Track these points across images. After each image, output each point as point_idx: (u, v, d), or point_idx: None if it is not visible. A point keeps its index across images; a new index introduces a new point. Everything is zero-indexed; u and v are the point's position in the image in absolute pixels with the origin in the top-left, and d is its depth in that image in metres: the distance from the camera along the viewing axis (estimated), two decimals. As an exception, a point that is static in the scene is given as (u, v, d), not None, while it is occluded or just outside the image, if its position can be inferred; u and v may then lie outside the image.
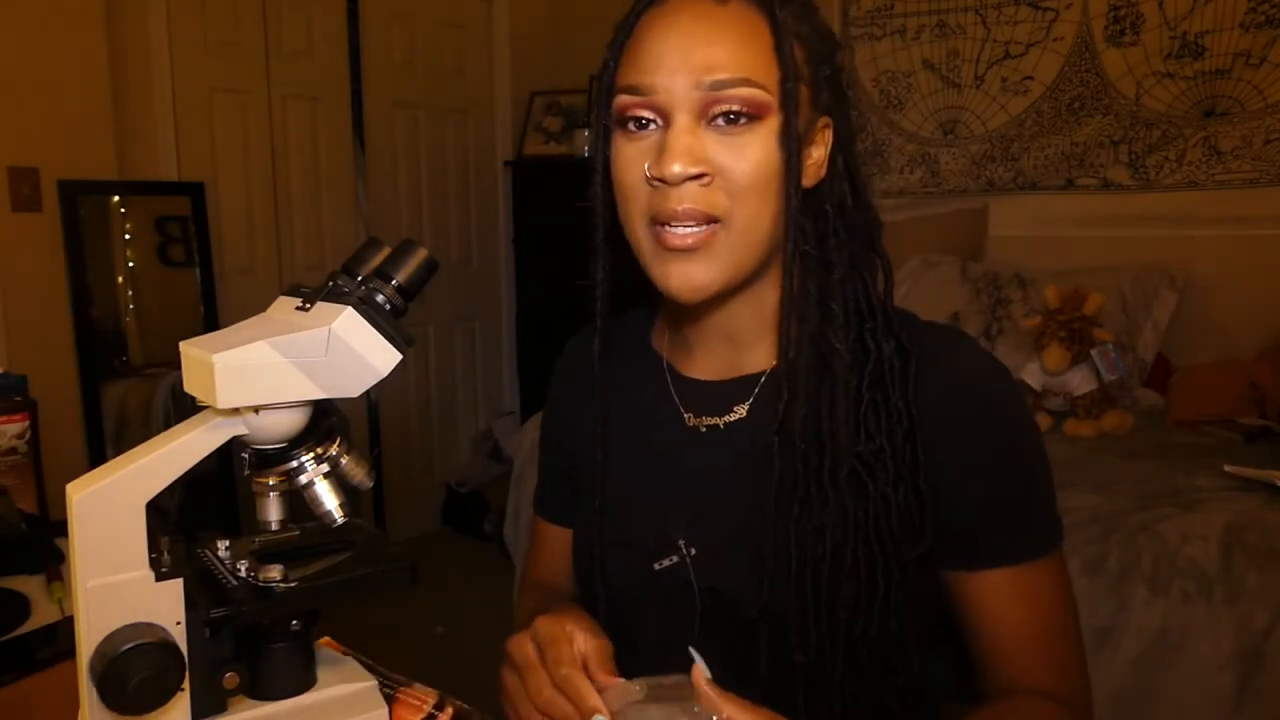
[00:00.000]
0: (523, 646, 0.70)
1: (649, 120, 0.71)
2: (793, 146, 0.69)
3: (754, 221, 0.71)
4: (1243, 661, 1.48)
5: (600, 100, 0.75)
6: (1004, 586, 0.75)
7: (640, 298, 0.88)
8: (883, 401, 0.73)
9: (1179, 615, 1.53)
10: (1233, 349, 2.46)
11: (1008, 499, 0.75)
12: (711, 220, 0.70)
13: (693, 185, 0.69)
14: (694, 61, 0.68)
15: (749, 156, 0.69)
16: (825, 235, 0.76)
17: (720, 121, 0.69)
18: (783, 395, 0.74)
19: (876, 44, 3.17)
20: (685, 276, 0.71)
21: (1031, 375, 2.28)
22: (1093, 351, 2.19)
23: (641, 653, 0.78)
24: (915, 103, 3.14)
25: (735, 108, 0.68)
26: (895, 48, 3.15)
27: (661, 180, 0.69)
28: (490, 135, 3.88)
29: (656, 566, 0.79)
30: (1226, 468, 1.82)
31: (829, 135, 0.76)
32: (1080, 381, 2.22)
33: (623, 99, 0.72)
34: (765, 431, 0.75)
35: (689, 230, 0.70)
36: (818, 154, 0.76)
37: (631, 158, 0.72)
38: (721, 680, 0.63)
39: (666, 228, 0.70)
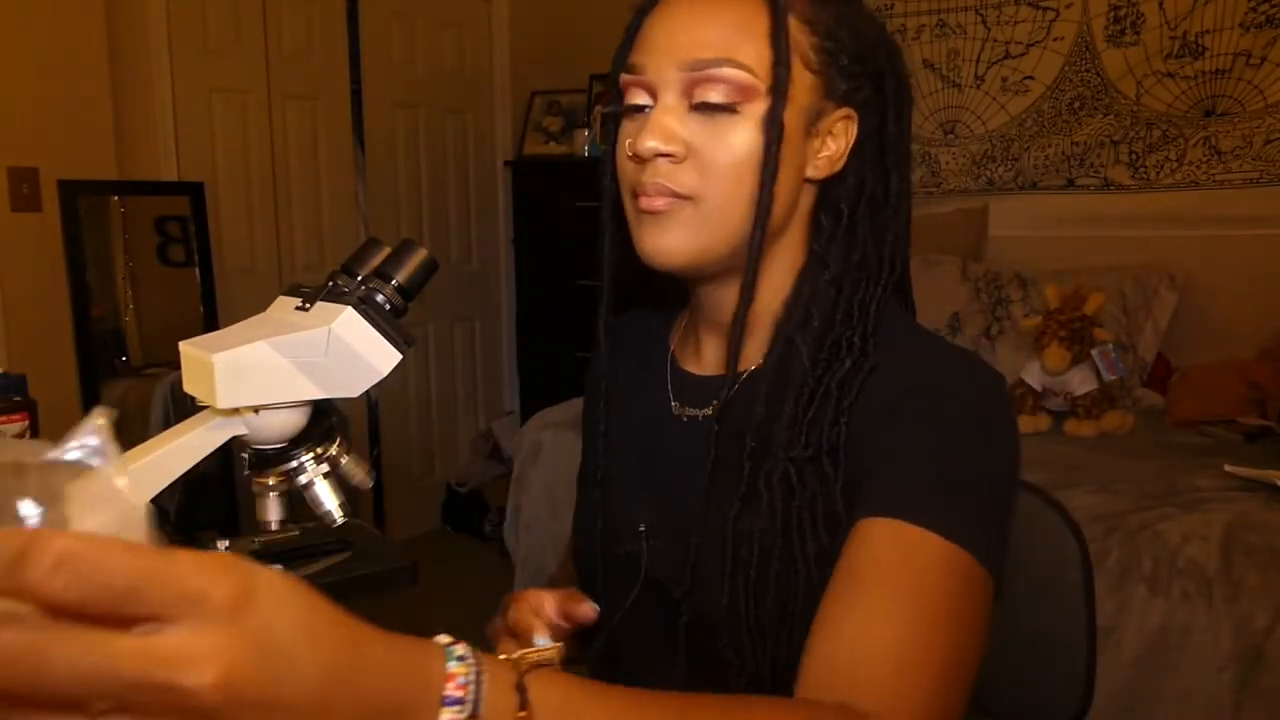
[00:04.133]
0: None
1: (643, 101, 0.72)
2: (774, 133, 0.68)
3: (727, 204, 0.70)
4: (1243, 661, 1.48)
5: (613, 87, 0.76)
6: (876, 531, 0.65)
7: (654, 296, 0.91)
8: (827, 413, 0.70)
9: (1179, 615, 1.53)
10: (1233, 349, 2.46)
11: (912, 460, 0.68)
12: (679, 196, 0.70)
13: (664, 162, 0.70)
14: (680, 41, 0.69)
15: (728, 140, 0.69)
16: (834, 236, 0.75)
17: (704, 108, 0.69)
18: (759, 395, 0.72)
19: (876, 44, 3.17)
20: (656, 241, 0.72)
21: (1032, 375, 2.28)
22: (1093, 351, 2.19)
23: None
24: (915, 102, 3.12)
25: (718, 93, 0.68)
26: (895, 48, 3.14)
27: (636, 156, 0.71)
28: (490, 135, 3.87)
29: (619, 552, 0.80)
30: (1226, 468, 1.82)
31: (852, 129, 0.74)
32: (1080, 381, 2.22)
33: (622, 77, 0.73)
34: (726, 428, 0.74)
35: (658, 197, 0.71)
36: (834, 146, 0.74)
37: (624, 134, 0.74)
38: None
39: (640, 196, 0.72)
